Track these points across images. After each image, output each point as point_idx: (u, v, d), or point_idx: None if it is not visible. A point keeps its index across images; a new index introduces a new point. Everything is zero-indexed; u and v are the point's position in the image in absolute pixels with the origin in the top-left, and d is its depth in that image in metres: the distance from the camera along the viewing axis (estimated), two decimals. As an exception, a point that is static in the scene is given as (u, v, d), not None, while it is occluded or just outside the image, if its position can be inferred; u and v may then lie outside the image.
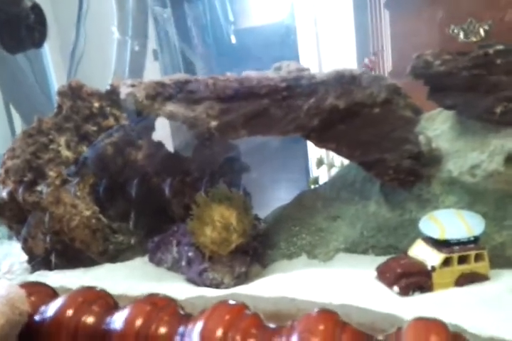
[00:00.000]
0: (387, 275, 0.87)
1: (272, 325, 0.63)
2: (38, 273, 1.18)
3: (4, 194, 1.16)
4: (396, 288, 0.84)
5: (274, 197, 1.31)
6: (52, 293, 0.75)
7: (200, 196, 1.05)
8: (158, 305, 0.67)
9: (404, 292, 0.83)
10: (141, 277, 1.09)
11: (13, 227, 1.21)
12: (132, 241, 1.21)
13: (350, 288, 0.88)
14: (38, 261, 1.20)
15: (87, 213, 1.13)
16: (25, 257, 1.23)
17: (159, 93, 0.97)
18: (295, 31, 1.79)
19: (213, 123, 0.95)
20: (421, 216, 0.93)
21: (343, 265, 1.00)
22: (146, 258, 1.18)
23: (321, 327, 0.57)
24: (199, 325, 0.62)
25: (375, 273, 0.90)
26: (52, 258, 1.19)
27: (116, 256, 1.20)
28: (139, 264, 1.17)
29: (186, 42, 1.95)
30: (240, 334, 0.59)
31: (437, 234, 0.86)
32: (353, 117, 0.94)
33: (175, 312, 0.67)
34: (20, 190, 1.15)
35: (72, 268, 1.17)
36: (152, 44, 1.72)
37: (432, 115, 1.06)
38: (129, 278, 1.09)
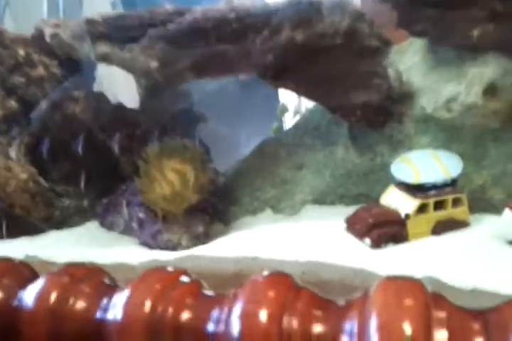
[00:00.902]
0: (357, 227, 0.78)
1: (211, 294, 0.54)
2: (-22, 244, 1.07)
3: None
4: (367, 240, 0.76)
5: (237, 149, 1.20)
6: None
7: (148, 149, 0.93)
8: (76, 275, 0.57)
9: (377, 244, 0.75)
10: (90, 243, 1.00)
11: None
12: (85, 203, 1.10)
13: (317, 242, 0.80)
14: (-25, 231, 1.08)
15: (24, 176, 1.01)
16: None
17: (88, 32, 0.83)
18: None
19: (153, 65, 0.82)
20: (393, 159, 0.84)
21: (310, 218, 0.92)
22: (96, 223, 1.08)
23: (270, 295, 0.48)
24: (124, 297, 0.52)
25: (345, 225, 0.82)
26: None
27: (63, 221, 1.09)
28: (89, 230, 1.07)
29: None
30: (173, 305, 0.50)
31: (411, 178, 0.78)
32: (313, 51, 0.82)
33: (98, 283, 0.57)
34: None
35: (15, 237, 1.06)
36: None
37: (402, 47, 0.95)
38: (77, 245, 0.99)
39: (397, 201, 0.78)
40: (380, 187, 0.87)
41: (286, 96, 1.26)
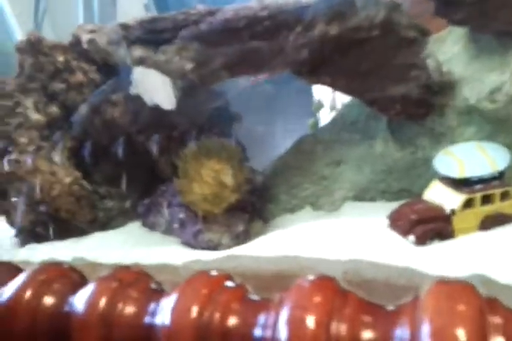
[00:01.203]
0: (400, 223, 0.76)
1: (257, 299, 0.53)
2: (27, 246, 1.11)
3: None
4: (412, 237, 0.74)
5: (273, 147, 1.19)
6: (14, 272, 0.66)
7: (185, 150, 0.94)
8: (124, 280, 0.58)
9: (421, 241, 0.73)
10: (134, 243, 1.01)
11: (-7, 200, 1.12)
12: (128, 205, 1.12)
13: (359, 240, 0.78)
14: (25, 234, 1.12)
15: (68, 180, 1.03)
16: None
17: (124, 37, 0.84)
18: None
19: (189, 66, 0.83)
20: (436, 153, 0.81)
21: (351, 215, 0.90)
22: (139, 223, 1.10)
23: (317, 300, 0.47)
24: (171, 301, 0.52)
25: (388, 222, 0.80)
26: (40, 230, 1.11)
27: (107, 223, 1.11)
28: (132, 230, 1.09)
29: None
30: (220, 310, 0.50)
31: (456, 172, 0.75)
32: (348, 44, 0.81)
33: (145, 288, 0.58)
34: (-6, 161, 1.05)
35: (61, 239, 1.09)
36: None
37: (440, 36, 0.92)
38: (121, 246, 1.01)
39: (441, 196, 0.76)
40: (423, 182, 0.85)
41: (320, 92, 1.24)
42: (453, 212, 0.73)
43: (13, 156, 1.03)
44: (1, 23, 1.38)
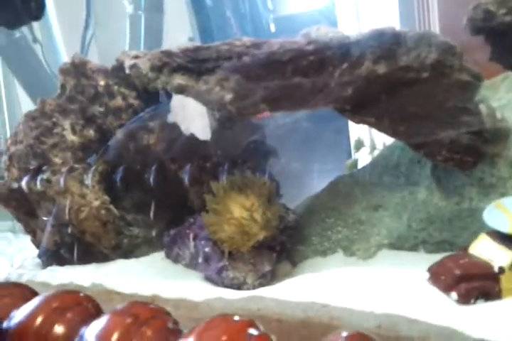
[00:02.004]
0: (442, 278, 0.70)
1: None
2: (49, 268, 1.09)
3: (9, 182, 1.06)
4: (454, 295, 0.67)
5: (308, 185, 1.15)
6: (30, 296, 0.63)
7: (215, 184, 0.90)
8: (140, 317, 0.53)
9: (465, 299, 0.67)
10: (156, 275, 0.98)
11: (20, 219, 1.11)
12: (153, 234, 1.10)
13: (396, 292, 0.72)
14: (48, 255, 1.10)
15: (97, 203, 1.02)
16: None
17: (166, 63, 0.83)
18: (335, 19, 1.63)
19: (228, 97, 0.80)
20: (483, 205, 0.76)
21: (386, 264, 0.84)
22: (163, 254, 1.06)
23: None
24: (187, 346, 0.48)
25: (427, 275, 0.74)
26: (63, 252, 1.09)
27: (130, 251, 1.09)
28: (155, 260, 1.06)
29: (225, 31, 1.83)
30: (240, 362, 0.45)
31: (506, 227, 0.69)
32: (396, 85, 0.77)
33: (161, 327, 0.53)
34: (25, 178, 1.04)
35: (84, 263, 1.07)
36: (188, 33, 1.61)
37: (494, 82, 0.87)
38: (142, 276, 0.98)
39: (489, 252, 0.70)
40: (467, 235, 0.79)
41: (358, 131, 1.21)
42: (501, 270, 0.67)
43: (45, 176, 1.03)
44: (50, 47, 1.43)
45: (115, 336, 0.51)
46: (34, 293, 0.65)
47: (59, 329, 0.54)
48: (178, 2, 1.53)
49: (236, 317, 0.51)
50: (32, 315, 0.55)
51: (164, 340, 0.51)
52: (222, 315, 0.51)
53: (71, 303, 0.58)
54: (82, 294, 0.61)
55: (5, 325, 0.57)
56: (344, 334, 0.45)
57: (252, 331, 0.49)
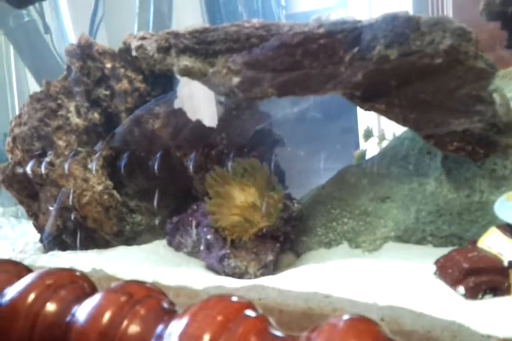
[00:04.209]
0: (449, 272, 0.67)
1: (279, 334, 0.46)
2: (50, 253, 1.08)
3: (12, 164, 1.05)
4: (461, 289, 0.65)
5: (315, 175, 1.13)
6: (25, 274, 0.61)
7: (218, 171, 0.89)
8: (135, 295, 0.51)
9: (472, 294, 0.64)
10: (157, 262, 0.97)
11: (23, 202, 1.10)
12: (157, 221, 1.08)
13: (400, 285, 0.70)
14: (50, 240, 1.09)
15: (99, 188, 1.00)
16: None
17: (173, 45, 0.81)
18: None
19: (235, 80, 0.78)
20: (495, 198, 0.73)
21: (392, 256, 0.82)
22: (165, 241, 1.05)
23: (352, 345, 0.39)
24: (181, 325, 0.46)
25: (434, 268, 0.71)
26: (65, 237, 1.08)
27: (133, 238, 1.07)
28: (157, 248, 1.04)
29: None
30: (236, 342, 0.43)
31: (518, 220, 0.66)
32: (409, 71, 0.74)
33: (156, 307, 0.51)
34: (30, 162, 1.03)
35: (85, 249, 1.05)
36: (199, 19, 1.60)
37: (509, 72, 0.85)
38: (143, 263, 0.96)
39: (499, 246, 0.67)
40: (477, 229, 0.76)
41: (367, 120, 1.18)
42: (511, 264, 0.64)
43: (49, 159, 1.01)
44: (59, 30, 1.42)
45: (107, 314, 0.49)
46: (29, 271, 0.63)
47: (51, 307, 0.53)
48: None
49: (233, 298, 0.49)
50: (24, 292, 0.53)
51: (158, 320, 0.49)
52: (218, 295, 0.49)
53: (65, 281, 0.56)
54: (77, 273, 0.59)
55: (-3, 302, 0.56)
56: (345, 317, 0.43)
57: (249, 312, 0.47)
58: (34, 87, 1.42)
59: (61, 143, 1.01)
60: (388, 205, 0.88)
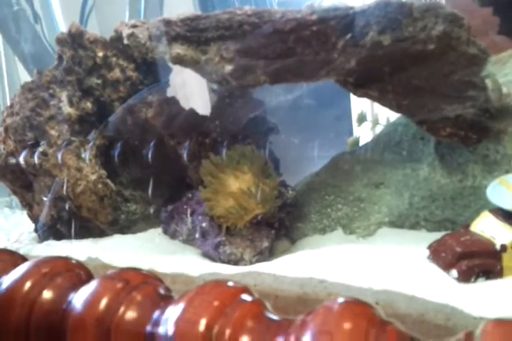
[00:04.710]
0: (442, 255, 0.68)
1: (275, 318, 0.47)
2: (45, 243, 1.08)
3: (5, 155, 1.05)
4: (454, 272, 0.66)
5: (309, 162, 1.13)
6: (20, 263, 0.61)
7: (212, 158, 0.89)
8: (131, 282, 0.52)
9: (465, 277, 0.65)
10: (152, 250, 0.97)
11: (17, 192, 1.10)
12: (151, 210, 1.08)
13: (394, 270, 0.71)
14: (44, 229, 1.09)
15: (93, 177, 1.00)
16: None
17: (164, 32, 0.81)
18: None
19: (228, 68, 0.78)
20: (487, 182, 0.74)
21: (386, 242, 0.83)
22: (160, 230, 1.05)
23: (346, 327, 0.40)
24: (178, 311, 0.46)
25: (427, 253, 0.72)
26: (60, 227, 1.08)
27: (127, 226, 1.08)
28: (152, 236, 1.05)
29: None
30: (231, 327, 0.43)
31: (510, 204, 0.67)
32: (401, 57, 0.75)
33: (152, 293, 0.52)
34: (23, 153, 1.03)
35: (80, 238, 1.06)
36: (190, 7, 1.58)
37: (501, 58, 0.85)
38: (139, 251, 0.97)
39: (491, 229, 0.68)
40: (470, 213, 0.77)
41: (360, 105, 1.18)
42: (503, 248, 0.65)
43: (42, 148, 1.01)
44: (49, 19, 1.40)
45: (104, 301, 0.50)
46: (25, 260, 0.64)
47: (48, 294, 0.53)
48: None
49: (229, 283, 0.49)
50: (21, 280, 0.54)
51: (155, 306, 0.50)
52: (214, 281, 0.50)
53: (61, 269, 0.56)
54: (73, 260, 0.60)
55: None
56: (340, 300, 0.43)
57: (245, 297, 0.47)
58: (25, 76, 1.41)
59: (54, 132, 1.01)
60: (382, 191, 0.88)
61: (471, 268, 0.65)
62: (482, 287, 0.64)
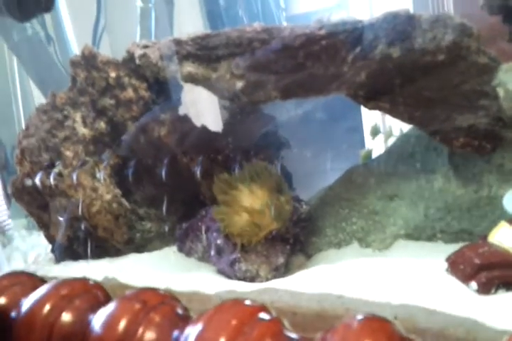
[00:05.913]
0: (461, 268, 0.67)
1: (294, 336, 0.46)
2: (63, 263, 1.08)
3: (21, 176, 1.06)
4: (474, 284, 0.65)
5: (322, 176, 1.13)
6: (39, 285, 0.62)
7: (224, 175, 0.89)
8: (149, 303, 0.52)
9: (485, 289, 0.64)
10: (168, 268, 0.97)
11: (33, 213, 1.11)
12: (166, 228, 1.09)
13: (413, 283, 0.70)
14: (61, 250, 1.10)
15: (108, 197, 1.01)
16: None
17: (175, 52, 0.82)
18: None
19: (239, 85, 0.79)
20: (503, 192, 0.73)
21: (403, 254, 0.82)
22: (175, 248, 1.05)
23: (367, 345, 0.40)
24: (196, 330, 0.46)
25: (446, 265, 0.71)
26: (76, 247, 1.09)
27: (143, 245, 1.08)
28: (168, 254, 1.05)
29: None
30: (250, 345, 0.43)
31: (528, 214, 0.66)
32: (411, 69, 0.75)
33: (170, 313, 0.52)
34: (39, 174, 1.04)
35: (97, 258, 1.06)
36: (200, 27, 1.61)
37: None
38: (155, 270, 0.96)
39: (509, 240, 0.67)
40: (486, 224, 0.76)
41: (372, 118, 1.18)
42: (523, 258, 0.64)
43: (57, 169, 1.02)
44: (62, 40, 1.43)
45: (123, 322, 0.50)
46: (44, 282, 0.64)
47: (67, 316, 0.53)
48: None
49: (247, 302, 0.49)
50: (40, 303, 0.54)
51: (173, 326, 0.50)
52: (233, 300, 0.50)
53: (80, 291, 0.57)
54: (91, 282, 0.60)
55: (13, 313, 0.56)
56: (359, 317, 0.43)
57: (263, 315, 0.47)
58: (39, 99, 1.43)
59: (69, 153, 1.02)
60: (396, 203, 0.88)
61: (490, 280, 0.64)
62: (503, 299, 0.63)
